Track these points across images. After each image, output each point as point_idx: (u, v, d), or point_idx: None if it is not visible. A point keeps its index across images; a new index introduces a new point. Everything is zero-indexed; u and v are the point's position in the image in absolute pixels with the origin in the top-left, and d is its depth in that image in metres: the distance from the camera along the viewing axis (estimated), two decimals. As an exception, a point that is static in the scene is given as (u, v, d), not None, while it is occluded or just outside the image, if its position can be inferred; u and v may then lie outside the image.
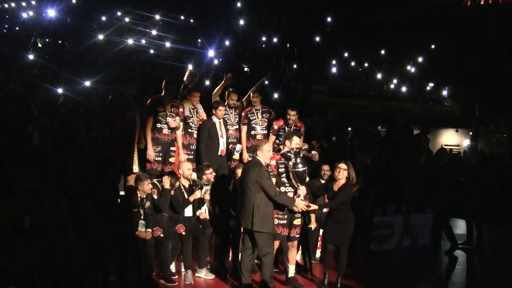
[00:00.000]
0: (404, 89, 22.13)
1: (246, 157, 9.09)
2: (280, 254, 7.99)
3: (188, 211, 7.91)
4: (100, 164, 8.13)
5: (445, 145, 22.49)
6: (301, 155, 7.31)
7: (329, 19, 20.81)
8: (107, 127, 8.67)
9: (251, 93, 9.41)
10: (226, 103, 9.29)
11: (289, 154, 7.25)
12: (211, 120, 8.97)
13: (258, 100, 9.40)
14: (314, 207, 7.33)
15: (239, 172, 7.86)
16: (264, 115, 9.39)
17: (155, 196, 7.69)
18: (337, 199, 7.44)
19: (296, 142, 7.35)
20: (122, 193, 8.02)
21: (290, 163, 7.20)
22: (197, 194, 7.78)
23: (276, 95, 15.45)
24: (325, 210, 7.89)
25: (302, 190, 7.26)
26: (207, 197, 8.05)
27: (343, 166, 7.50)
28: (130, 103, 8.31)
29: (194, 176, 8.05)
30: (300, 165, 7.16)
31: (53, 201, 6.77)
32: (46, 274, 6.65)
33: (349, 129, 13.27)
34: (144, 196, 7.52)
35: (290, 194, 7.27)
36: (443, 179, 10.87)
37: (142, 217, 7.44)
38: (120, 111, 8.17)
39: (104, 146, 8.72)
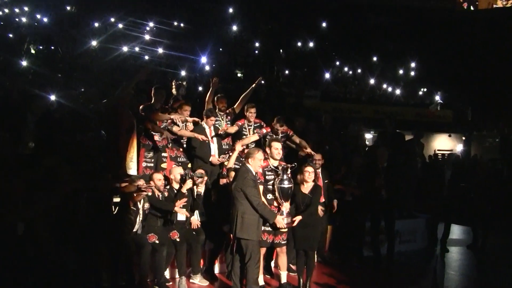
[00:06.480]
0: (398, 91, 22.25)
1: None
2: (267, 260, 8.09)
3: (181, 215, 7.88)
4: (95, 170, 8.14)
5: (438, 150, 22.60)
6: (289, 172, 7.28)
7: (322, 24, 20.90)
8: (109, 133, 8.67)
9: (247, 107, 9.27)
10: (217, 109, 9.29)
11: (276, 169, 7.30)
12: (201, 126, 8.94)
13: (253, 115, 9.22)
14: (298, 219, 7.33)
15: (232, 174, 7.85)
16: (255, 130, 9.21)
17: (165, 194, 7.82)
18: (315, 202, 7.54)
19: (275, 147, 7.36)
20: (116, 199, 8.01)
21: (277, 178, 7.24)
22: (188, 183, 7.74)
23: (267, 101, 15.49)
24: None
25: (285, 207, 7.28)
26: (201, 187, 7.91)
27: (310, 169, 7.59)
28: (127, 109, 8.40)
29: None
30: (286, 182, 7.19)
31: (46, 209, 6.78)
32: (38, 281, 6.66)
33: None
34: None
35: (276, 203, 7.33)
36: (445, 184, 10.95)
37: (141, 218, 7.50)
38: (126, 116, 8.29)
39: (100, 152, 8.73)
